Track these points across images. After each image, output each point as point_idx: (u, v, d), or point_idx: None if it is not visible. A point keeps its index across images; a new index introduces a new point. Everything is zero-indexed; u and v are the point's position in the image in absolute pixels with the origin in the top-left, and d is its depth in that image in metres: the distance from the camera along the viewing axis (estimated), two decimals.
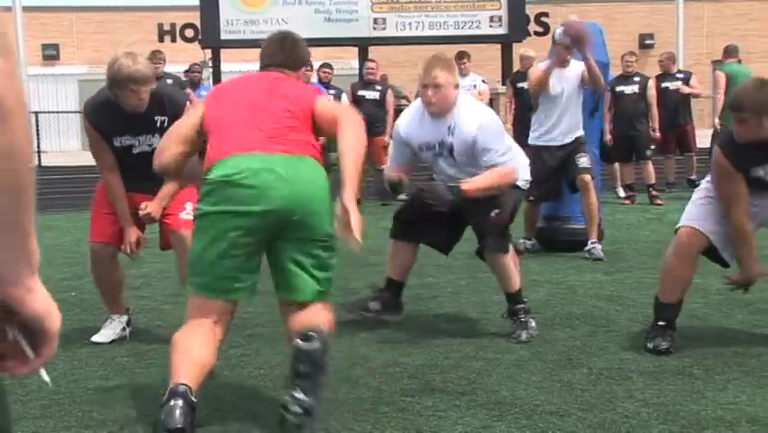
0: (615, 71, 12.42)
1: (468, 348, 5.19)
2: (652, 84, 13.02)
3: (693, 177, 14.04)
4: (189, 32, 19.93)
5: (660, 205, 12.41)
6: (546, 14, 21.02)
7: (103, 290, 5.62)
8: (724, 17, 35.44)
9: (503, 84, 19.94)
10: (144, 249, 5.61)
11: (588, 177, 8.17)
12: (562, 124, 8.25)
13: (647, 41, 34.43)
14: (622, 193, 13.11)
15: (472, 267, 7.69)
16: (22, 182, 1.22)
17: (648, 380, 4.50)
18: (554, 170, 8.27)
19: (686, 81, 13.78)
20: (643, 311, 6.01)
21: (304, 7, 18.81)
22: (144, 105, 5.25)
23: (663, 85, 13.60)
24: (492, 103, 14.14)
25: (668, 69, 13.93)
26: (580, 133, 8.34)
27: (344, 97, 14.55)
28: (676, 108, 13.51)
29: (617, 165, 13.12)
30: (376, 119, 13.37)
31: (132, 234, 5.41)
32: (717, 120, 13.02)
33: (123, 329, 5.64)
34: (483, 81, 12.92)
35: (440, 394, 4.37)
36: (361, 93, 13.49)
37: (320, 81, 13.03)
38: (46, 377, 1.41)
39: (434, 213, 5.47)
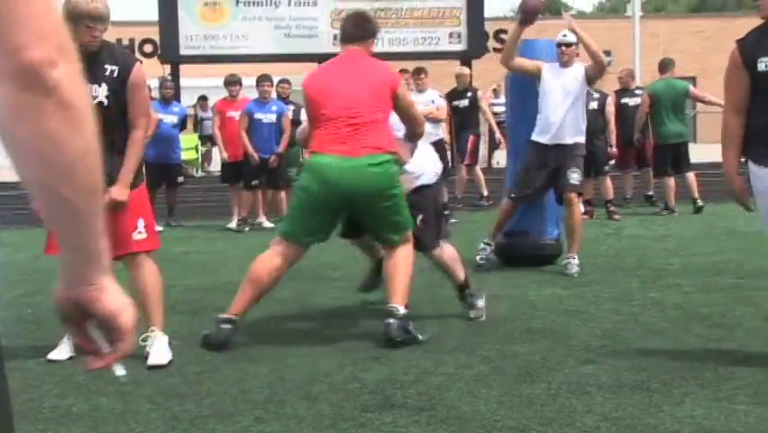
0: None
1: (428, 363, 5.19)
2: (610, 101, 13.14)
3: (650, 193, 14.19)
4: (148, 47, 19.87)
5: (617, 220, 12.51)
6: (505, 31, 21.10)
7: None
8: (680, 34, 35.89)
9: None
10: None
11: (574, 195, 8.22)
12: (561, 123, 8.21)
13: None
14: (581, 208, 13.18)
15: (432, 282, 7.69)
16: (96, 184, 1.28)
17: (607, 394, 4.52)
18: (544, 171, 8.26)
19: None
20: (601, 325, 6.04)
21: (264, 23, 18.82)
22: (97, 45, 5.13)
23: (623, 101, 13.75)
24: (451, 119, 14.17)
25: (627, 85, 14.08)
26: (581, 139, 8.36)
27: (303, 113, 14.51)
28: (634, 124, 13.66)
29: None
30: None
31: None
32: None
33: None
34: (441, 97, 12.94)
35: (400, 410, 4.36)
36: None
37: (279, 96, 13.00)
38: (121, 372, 1.46)
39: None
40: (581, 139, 8.35)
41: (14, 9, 1.15)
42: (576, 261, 8.21)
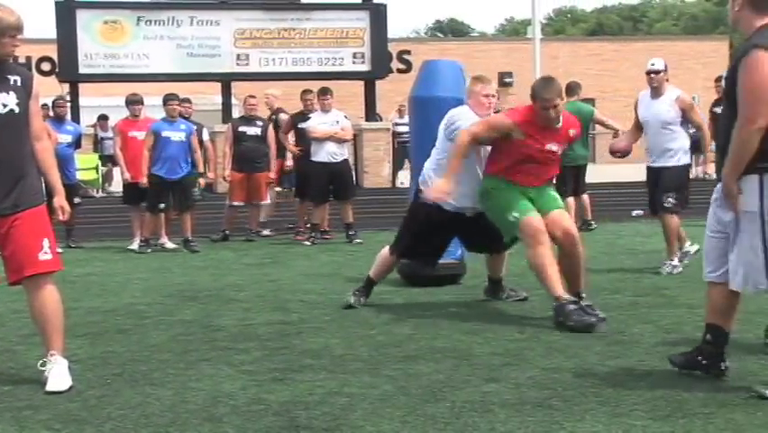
0: None
1: (332, 384, 5.18)
2: None
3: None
4: (46, 66, 19.51)
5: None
6: (408, 52, 21.30)
7: None
8: (579, 57, 36.64)
9: (366, 120, 20.16)
10: None
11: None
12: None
13: (506, 79, 35.32)
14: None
15: (337, 303, 7.70)
16: None
17: (510, 412, 4.57)
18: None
19: None
20: (504, 344, 6.11)
21: (166, 42, 18.65)
22: (13, 54, 5.26)
23: None
24: (356, 138, 14.22)
25: None
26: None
27: (205, 133, 14.42)
28: None
29: None
30: (258, 155, 13.29)
31: None
32: None
33: None
34: (346, 117, 12.99)
35: (305, 431, 4.34)
36: (242, 129, 13.37)
37: (180, 116, 12.87)
38: None
39: None
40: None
41: None
42: (674, 262, 9.16)
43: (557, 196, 7.29)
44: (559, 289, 6.73)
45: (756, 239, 4.71)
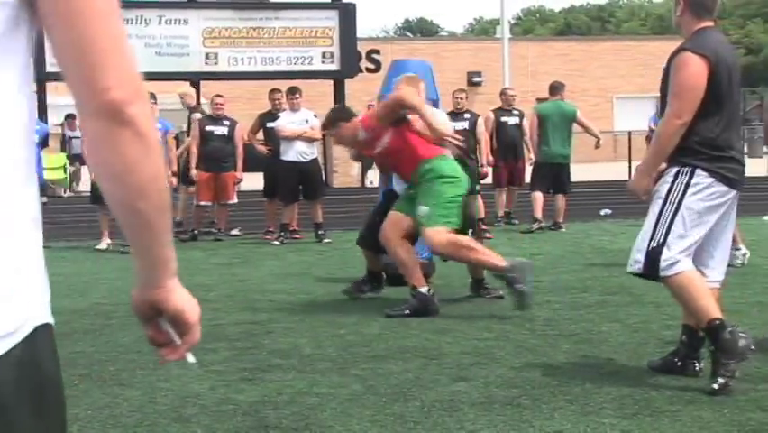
0: (445, 107, 12.70)
1: (301, 384, 5.17)
2: (482, 121, 13.40)
3: (509, 210, 14.61)
4: None
5: (488, 238, 12.70)
6: (378, 51, 21.36)
7: None
8: (547, 57, 36.79)
9: None
10: None
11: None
12: None
13: (475, 79, 35.40)
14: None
15: (306, 303, 7.70)
16: (165, 202, 1.54)
17: (479, 411, 4.59)
18: None
19: (521, 118, 14.36)
20: (473, 343, 6.13)
21: (134, 41, 18.49)
22: None
23: (502, 119, 14.16)
24: (325, 137, 14.21)
25: (508, 104, 14.51)
26: None
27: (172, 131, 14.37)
28: (513, 143, 14.11)
29: None
30: (225, 154, 13.25)
31: None
32: (532, 156, 13.89)
33: None
34: (315, 116, 12.98)
35: (274, 431, 4.34)
36: (209, 128, 13.30)
37: None
38: (191, 359, 1.72)
39: None
40: None
41: (103, 59, 1.44)
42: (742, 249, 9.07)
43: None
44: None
45: (649, 222, 5.00)
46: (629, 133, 22.10)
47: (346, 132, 7.65)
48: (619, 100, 37.14)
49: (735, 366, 4.76)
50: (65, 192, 21.20)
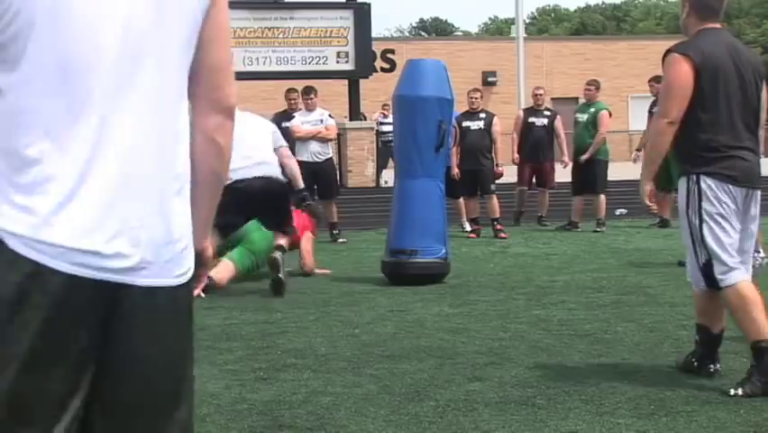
0: (460, 108, 12.70)
1: (316, 383, 5.18)
2: (497, 120, 13.37)
3: (543, 214, 14.47)
4: None
5: (504, 238, 12.69)
6: (392, 51, 21.34)
7: None
8: (562, 56, 36.71)
9: (350, 119, 20.16)
10: None
11: None
12: None
13: (490, 78, 35.36)
14: (468, 227, 13.36)
15: (320, 302, 7.70)
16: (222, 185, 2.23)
17: (493, 411, 4.58)
18: None
19: (553, 119, 14.24)
20: (488, 343, 6.12)
21: None
22: None
23: (530, 120, 14.10)
24: (340, 137, 14.21)
25: (537, 104, 14.49)
26: None
27: None
28: (538, 144, 14.04)
29: (461, 199, 13.35)
30: None
31: None
32: (565, 158, 13.99)
33: None
34: (330, 116, 12.97)
35: (289, 430, 4.34)
36: None
37: None
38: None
39: None
40: None
41: (226, 67, 2.15)
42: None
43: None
44: None
45: (687, 240, 5.02)
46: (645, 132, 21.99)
47: None
48: (635, 100, 37.02)
49: (764, 387, 4.73)
50: None
